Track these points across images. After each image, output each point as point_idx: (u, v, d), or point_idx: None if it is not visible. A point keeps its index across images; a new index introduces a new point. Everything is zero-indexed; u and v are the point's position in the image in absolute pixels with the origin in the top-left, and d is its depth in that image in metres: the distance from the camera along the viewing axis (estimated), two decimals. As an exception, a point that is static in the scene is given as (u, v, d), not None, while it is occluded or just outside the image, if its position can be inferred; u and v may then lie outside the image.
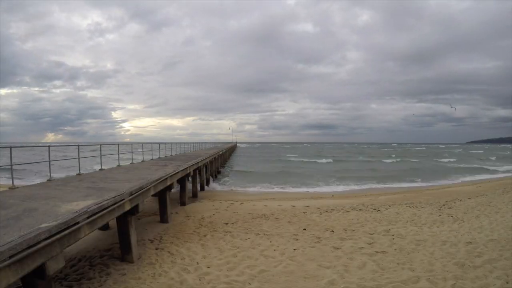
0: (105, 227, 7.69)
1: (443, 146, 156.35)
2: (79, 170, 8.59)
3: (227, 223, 8.57)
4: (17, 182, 6.62)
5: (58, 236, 3.29)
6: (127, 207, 5.23)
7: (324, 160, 43.68)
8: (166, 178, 7.93)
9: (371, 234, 7.18)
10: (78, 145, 9.32)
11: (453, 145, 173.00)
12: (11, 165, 6.37)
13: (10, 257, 2.66)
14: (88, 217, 3.97)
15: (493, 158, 48.42)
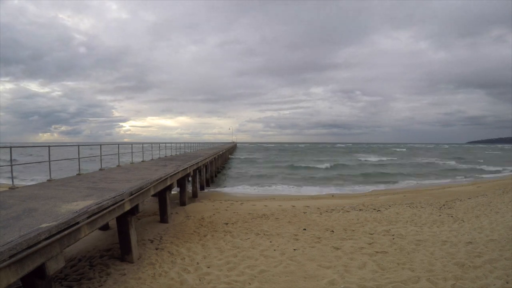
0: (105, 227, 7.69)
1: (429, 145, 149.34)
2: (79, 170, 8.59)
3: (227, 223, 8.57)
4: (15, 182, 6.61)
5: (58, 236, 3.29)
6: (127, 207, 5.23)
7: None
8: (166, 178, 7.92)
9: (371, 234, 7.18)
10: (78, 145, 9.34)
11: (442, 145, 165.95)
12: (11, 165, 6.36)
13: (10, 257, 2.66)
14: (88, 217, 3.97)
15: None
